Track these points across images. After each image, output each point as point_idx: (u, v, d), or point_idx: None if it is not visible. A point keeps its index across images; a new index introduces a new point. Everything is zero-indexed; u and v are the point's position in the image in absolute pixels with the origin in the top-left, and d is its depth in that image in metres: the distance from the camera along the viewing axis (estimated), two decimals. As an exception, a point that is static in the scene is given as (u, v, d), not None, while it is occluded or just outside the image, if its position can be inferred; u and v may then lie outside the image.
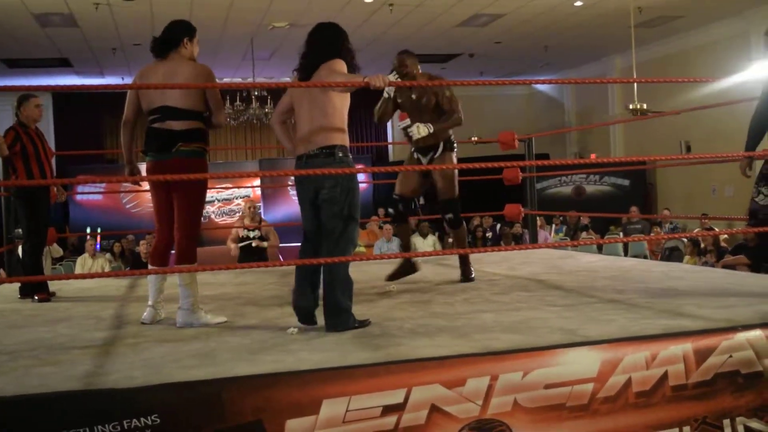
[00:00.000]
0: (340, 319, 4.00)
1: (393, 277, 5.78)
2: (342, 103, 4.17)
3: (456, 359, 3.29)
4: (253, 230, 9.50)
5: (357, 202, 4.16)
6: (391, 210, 5.98)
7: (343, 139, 4.15)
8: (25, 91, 5.78)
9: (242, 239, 9.46)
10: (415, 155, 5.87)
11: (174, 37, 4.53)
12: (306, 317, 4.13)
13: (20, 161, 5.75)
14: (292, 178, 4.87)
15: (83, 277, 6.65)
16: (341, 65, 4.16)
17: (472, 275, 5.81)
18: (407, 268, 5.85)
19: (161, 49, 4.53)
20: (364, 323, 4.07)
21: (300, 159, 4.17)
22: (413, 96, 5.70)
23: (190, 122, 4.38)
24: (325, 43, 4.25)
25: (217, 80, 4.55)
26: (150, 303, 4.55)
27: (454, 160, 5.82)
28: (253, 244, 9.39)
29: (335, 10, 12.00)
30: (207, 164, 4.56)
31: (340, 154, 4.10)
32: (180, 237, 4.45)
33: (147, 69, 4.56)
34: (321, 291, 4.12)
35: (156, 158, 4.41)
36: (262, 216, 10.50)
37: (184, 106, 4.37)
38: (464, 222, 5.98)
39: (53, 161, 6.18)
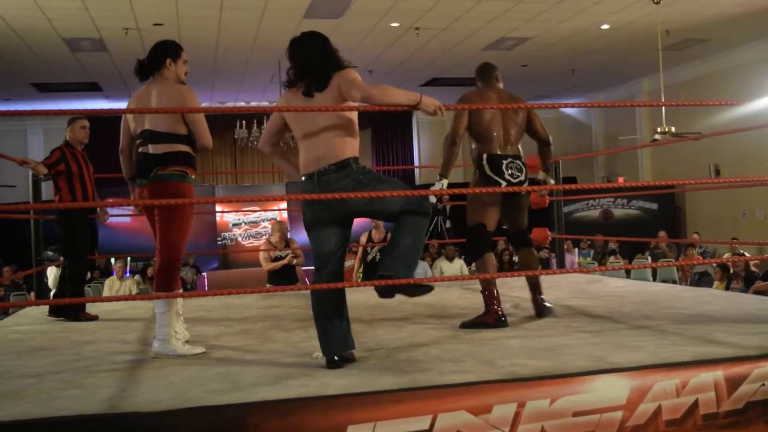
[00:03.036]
0: (402, 270, 3.71)
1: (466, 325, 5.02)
2: (353, 115, 3.88)
3: (482, 385, 3.25)
4: (282, 251, 9.43)
5: (395, 180, 3.97)
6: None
7: (354, 150, 3.84)
8: (55, 114, 5.90)
9: (275, 259, 9.38)
10: None
11: (156, 58, 4.45)
12: (335, 358, 3.75)
13: (64, 181, 5.91)
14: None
15: (109, 300, 6.66)
16: (356, 74, 3.84)
17: (546, 307, 5.12)
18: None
19: (142, 72, 4.47)
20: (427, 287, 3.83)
21: (311, 178, 3.80)
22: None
23: (168, 145, 4.30)
24: (324, 54, 3.86)
25: (243, 104, 4.52)
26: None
27: (479, 183, 5.10)
28: (287, 261, 9.23)
29: (363, 33, 12.06)
30: (190, 187, 4.41)
31: (354, 165, 3.78)
32: (159, 263, 4.33)
33: (136, 94, 4.51)
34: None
35: (139, 183, 4.41)
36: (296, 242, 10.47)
37: (162, 129, 4.30)
38: (483, 251, 5.09)
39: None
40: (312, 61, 3.84)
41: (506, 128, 5.19)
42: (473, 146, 5.23)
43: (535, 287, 5.21)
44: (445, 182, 4.95)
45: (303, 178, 3.85)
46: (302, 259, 9.48)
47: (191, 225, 4.44)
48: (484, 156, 5.06)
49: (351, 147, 3.81)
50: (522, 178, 5.09)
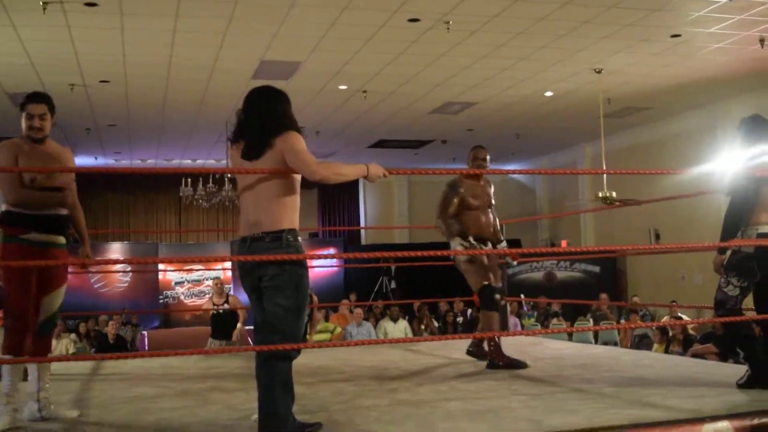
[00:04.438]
0: (282, 422, 3.52)
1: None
2: (294, 183, 3.71)
3: (421, 449, 3.25)
4: (222, 304, 10.36)
5: (306, 292, 3.70)
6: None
7: (293, 222, 3.68)
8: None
9: (215, 314, 10.35)
10: None
11: None
12: None
13: None
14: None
15: (45, 361, 6.48)
16: (300, 140, 3.66)
17: (500, 363, 5.62)
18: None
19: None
20: (312, 426, 3.66)
21: (244, 242, 3.68)
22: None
23: None
24: (273, 113, 3.71)
25: (190, 161, 4.50)
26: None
27: (455, 247, 5.92)
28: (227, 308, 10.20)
29: (311, 95, 12.16)
30: (13, 247, 4.11)
31: (290, 238, 3.63)
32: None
33: None
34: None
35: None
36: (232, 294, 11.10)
37: None
38: (489, 308, 5.85)
39: None
40: (252, 125, 3.73)
41: None
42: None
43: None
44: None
45: (238, 241, 3.77)
46: (242, 315, 10.25)
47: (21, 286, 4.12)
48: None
49: (289, 217, 3.67)
50: None
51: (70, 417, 4.13)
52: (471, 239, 5.87)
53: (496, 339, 5.69)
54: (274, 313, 3.61)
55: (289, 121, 3.73)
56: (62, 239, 4.27)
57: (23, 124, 4.19)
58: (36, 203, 4.15)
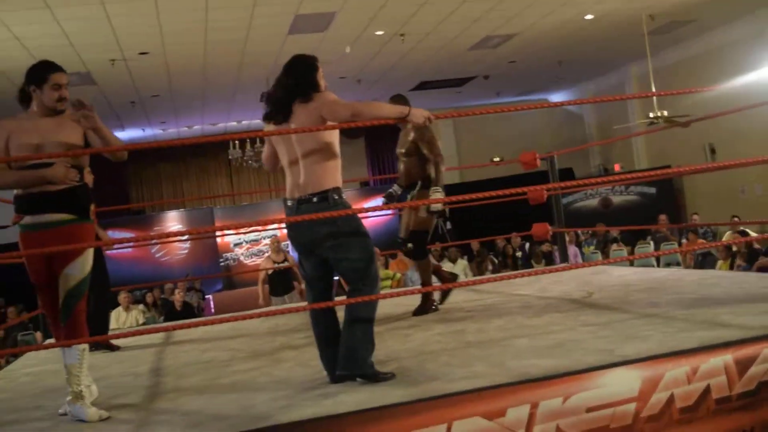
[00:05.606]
0: (356, 364, 3.69)
1: (416, 313, 5.83)
2: (333, 138, 3.86)
3: (494, 390, 3.26)
4: (282, 262, 10.57)
5: (367, 239, 3.84)
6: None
7: (336, 180, 3.83)
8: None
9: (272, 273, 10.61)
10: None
11: (25, 88, 3.94)
12: (335, 377, 3.80)
13: None
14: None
15: (116, 337, 6.63)
16: (332, 94, 3.85)
17: (430, 310, 5.85)
18: (427, 305, 5.93)
19: (21, 101, 3.99)
20: (385, 375, 3.70)
21: (293, 203, 3.84)
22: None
23: None
24: (297, 85, 3.86)
25: (235, 123, 4.39)
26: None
27: (432, 196, 5.70)
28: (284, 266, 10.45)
29: (348, 42, 12.08)
30: (19, 238, 3.88)
31: (335, 197, 3.78)
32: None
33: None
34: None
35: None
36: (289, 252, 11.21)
37: None
38: (428, 254, 6.12)
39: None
40: (278, 96, 3.91)
41: None
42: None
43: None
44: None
45: (288, 203, 3.90)
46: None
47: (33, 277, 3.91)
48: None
49: (332, 176, 3.82)
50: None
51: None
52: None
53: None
54: (347, 269, 3.83)
55: (318, 86, 3.88)
56: (64, 216, 3.81)
57: (48, 95, 3.83)
58: (23, 183, 3.78)
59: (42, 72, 3.88)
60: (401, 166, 6.05)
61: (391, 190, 6.02)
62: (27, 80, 3.90)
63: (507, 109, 4.81)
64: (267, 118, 3.98)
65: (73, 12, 9.52)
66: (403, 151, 5.99)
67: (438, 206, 5.67)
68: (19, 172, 3.77)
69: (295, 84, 3.85)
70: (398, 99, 5.68)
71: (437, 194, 5.67)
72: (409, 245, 5.97)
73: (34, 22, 9.69)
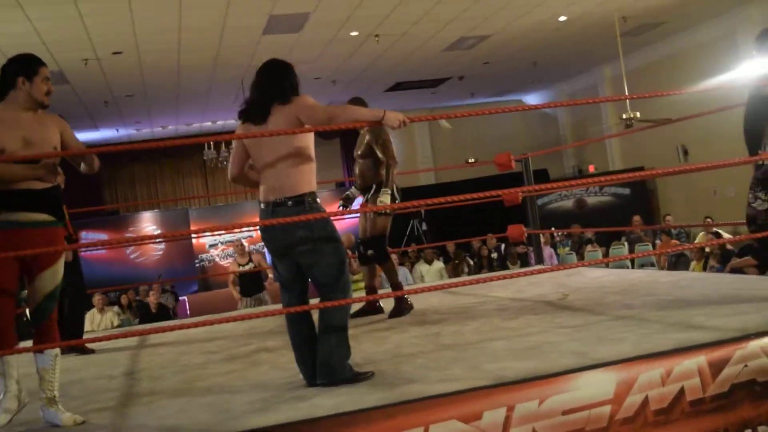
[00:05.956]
0: (334, 371, 3.71)
1: (392, 315, 5.84)
2: (308, 142, 3.85)
3: (470, 393, 3.27)
4: (245, 264, 11.02)
5: (339, 245, 3.85)
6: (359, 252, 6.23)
7: (311, 184, 3.82)
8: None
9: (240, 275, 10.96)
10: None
11: (5, 78, 3.78)
12: (312, 381, 3.80)
13: None
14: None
15: (92, 341, 6.58)
16: (310, 98, 3.86)
17: (404, 313, 5.85)
18: (372, 307, 6.09)
19: None
20: (365, 375, 3.74)
21: (267, 206, 3.82)
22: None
23: None
24: (270, 87, 3.88)
25: (210, 124, 4.35)
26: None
27: (385, 200, 5.75)
28: (248, 269, 10.89)
29: (323, 44, 12.05)
30: None
31: (311, 201, 3.77)
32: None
33: None
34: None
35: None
36: (256, 251, 11.67)
37: None
38: (389, 256, 6.17)
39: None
40: (257, 97, 3.92)
41: None
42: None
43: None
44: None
45: (261, 206, 3.89)
46: (266, 266, 10.82)
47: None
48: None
49: (308, 180, 3.82)
50: None
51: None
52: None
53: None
54: (320, 274, 3.83)
55: (294, 88, 3.89)
56: (43, 216, 3.69)
57: (38, 88, 3.73)
58: (14, 177, 3.62)
59: (33, 64, 3.79)
60: (357, 169, 6.14)
61: (348, 192, 6.18)
62: (13, 71, 3.74)
63: (482, 112, 4.77)
64: (243, 117, 3.96)
65: (45, 11, 9.42)
66: (359, 153, 6.05)
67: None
68: (10, 165, 3.63)
69: (275, 86, 3.86)
70: (356, 101, 5.76)
71: (386, 196, 5.73)
72: (370, 252, 6.02)
73: (6, 20, 9.59)
